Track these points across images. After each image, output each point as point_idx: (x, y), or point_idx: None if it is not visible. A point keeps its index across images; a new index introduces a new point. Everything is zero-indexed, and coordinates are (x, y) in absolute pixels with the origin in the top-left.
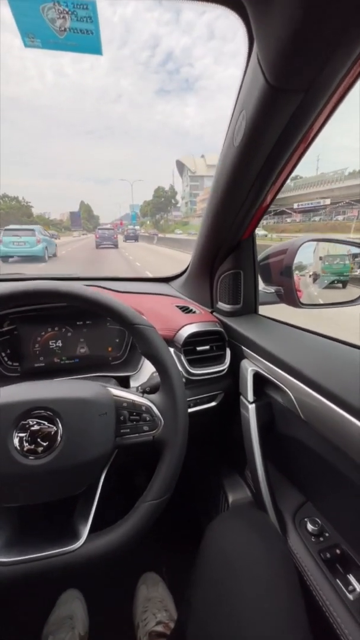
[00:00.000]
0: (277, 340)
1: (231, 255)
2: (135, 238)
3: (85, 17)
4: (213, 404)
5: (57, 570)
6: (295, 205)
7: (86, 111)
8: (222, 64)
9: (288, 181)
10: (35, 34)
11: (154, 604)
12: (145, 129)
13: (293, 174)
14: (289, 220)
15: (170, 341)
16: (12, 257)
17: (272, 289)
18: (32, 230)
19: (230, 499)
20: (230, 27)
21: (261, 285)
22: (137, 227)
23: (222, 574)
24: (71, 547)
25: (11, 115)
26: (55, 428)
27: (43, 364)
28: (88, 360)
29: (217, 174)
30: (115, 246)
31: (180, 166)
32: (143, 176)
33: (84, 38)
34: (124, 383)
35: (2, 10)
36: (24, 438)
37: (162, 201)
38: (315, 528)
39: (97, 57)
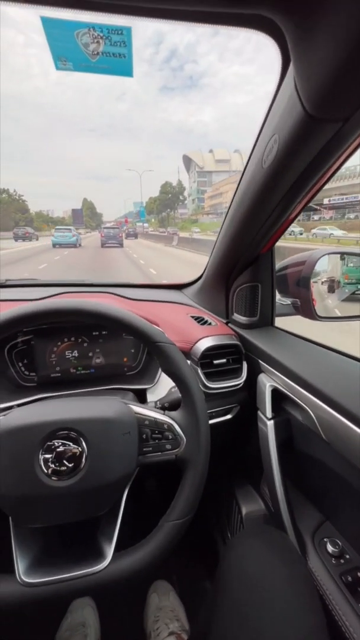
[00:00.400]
0: (295, 356)
1: (249, 268)
2: (135, 235)
3: (119, 41)
4: (228, 416)
5: (82, 591)
6: (325, 201)
7: (89, 109)
8: (227, 61)
9: None
10: (68, 57)
11: (166, 614)
12: (148, 127)
13: None
14: (316, 217)
15: (186, 354)
16: (57, 245)
17: (288, 301)
18: (70, 229)
19: (244, 511)
20: None
21: (277, 297)
22: (145, 225)
23: (243, 597)
24: (97, 567)
25: (14, 114)
26: (80, 449)
27: (59, 374)
28: (103, 370)
29: (241, 192)
30: (121, 245)
31: (187, 161)
32: (146, 174)
33: (116, 61)
34: (140, 396)
35: (7, 8)
36: (50, 459)
37: (170, 197)
38: (336, 549)
39: None
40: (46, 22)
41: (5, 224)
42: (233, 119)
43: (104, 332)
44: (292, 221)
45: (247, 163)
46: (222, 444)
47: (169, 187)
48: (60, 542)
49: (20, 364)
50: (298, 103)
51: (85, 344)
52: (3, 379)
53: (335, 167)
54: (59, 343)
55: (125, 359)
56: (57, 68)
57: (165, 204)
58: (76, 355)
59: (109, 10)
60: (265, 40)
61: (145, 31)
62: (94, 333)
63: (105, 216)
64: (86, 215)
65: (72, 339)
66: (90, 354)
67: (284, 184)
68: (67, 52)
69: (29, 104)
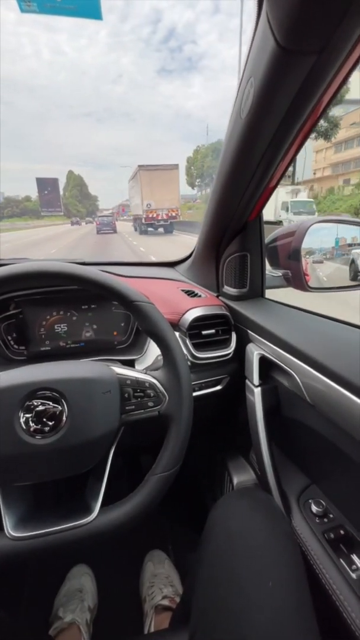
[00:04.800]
0: (284, 324)
1: (238, 237)
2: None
3: None
4: (218, 387)
5: (71, 544)
6: None
7: (85, 92)
8: (228, 41)
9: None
10: None
11: (160, 580)
12: (146, 111)
13: None
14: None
15: (175, 325)
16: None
17: (279, 273)
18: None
19: (235, 480)
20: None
21: (268, 269)
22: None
23: (226, 552)
24: (84, 520)
25: (7, 97)
26: (60, 408)
27: (49, 348)
28: (93, 344)
29: (224, 151)
30: (114, 231)
31: None
32: (146, 160)
33: (83, 1)
34: (129, 366)
35: None
36: (30, 418)
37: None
38: (320, 509)
39: (95, 33)
40: None
41: None
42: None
43: (93, 306)
44: (275, 186)
45: (229, 120)
46: (214, 416)
47: None
48: (49, 500)
49: (9, 338)
50: (270, 36)
51: (74, 318)
52: None
53: (315, 114)
54: (48, 317)
55: (115, 333)
56: (22, 10)
57: None
58: (66, 329)
59: None
60: None
61: (143, 8)
62: (83, 307)
63: (102, 203)
64: (73, 197)
65: (61, 312)
66: (80, 328)
67: (266, 133)
68: None
69: (22, 87)
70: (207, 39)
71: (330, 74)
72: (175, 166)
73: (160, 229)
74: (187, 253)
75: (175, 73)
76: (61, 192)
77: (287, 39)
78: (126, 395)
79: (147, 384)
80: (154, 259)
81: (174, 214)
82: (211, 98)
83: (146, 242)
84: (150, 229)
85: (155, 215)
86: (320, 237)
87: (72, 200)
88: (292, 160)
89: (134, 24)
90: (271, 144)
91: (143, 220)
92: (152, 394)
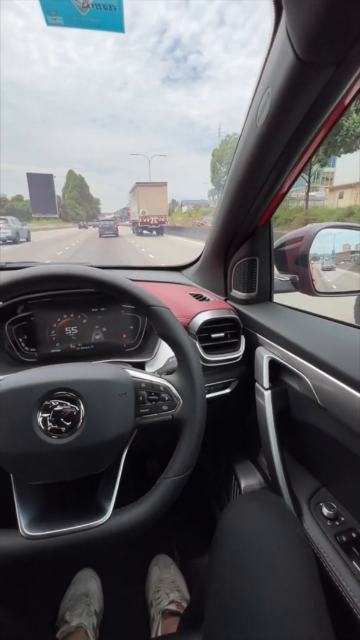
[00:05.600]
0: (294, 327)
1: (247, 242)
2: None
3: None
4: (227, 390)
5: (83, 544)
6: None
7: (90, 98)
8: (232, 52)
9: None
10: (58, 11)
11: (167, 585)
12: (150, 119)
13: None
14: None
15: (185, 328)
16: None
17: (287, 277)
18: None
19: (243, 484)
20: (242, 12)
21: (276, 273)
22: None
23: (239, 554)
24: (97, 522)
25: (14, 100)
26: (77, 408)
27: (59, 350)
28: (103, 346)
29: (237, 157)
30: (116, 235)
31: None
32: (150, 159)
33: (107, 14)
34: (139, 368)
35: None
36: (48, 418)
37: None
38: (331, 512)
39: (102, 41)
40: None
41: None
42: (237, 113)
43: (102, 309)
44: (286, 192)
45: (243, 127)
46: (221, 419)
47: None
48: (62, 500)
49: (20, 340)
50: (289, 49)
51: (84, 321)
52: (4, 353)
53: (329, 122)
54: (59, 319)
55: (124, 336)
56: (48, 24)
57: None
58: (76, 331)
59: None
60: None
61: (150, 18)
62: (92, 309)
63: (105, 207)
64: (71, 198)
65: (72, 315)
66: (90, 331)
67: (280, 142)
68: (57, 6)
69: (29, 91)
70: (212, 49)
71: (347, 85)
72: (164, 183)
73: (154, 232)
74: (175, 248)
75: (180, 82)
76: (60, 193)
77: (306, 51)
78: (141, 398)
79: (161, 388)
80: (152, 257)
81: (162, 220)
82: (215, 107)
83: (144, 243)
84: (145, 231)
85: (148, 220)
86: (327, 242)
87: (72, 202)
88: (304, 167)
89: (140, 34)
90: (284, 151)
91: (139, 224)
92: (166, 398)
